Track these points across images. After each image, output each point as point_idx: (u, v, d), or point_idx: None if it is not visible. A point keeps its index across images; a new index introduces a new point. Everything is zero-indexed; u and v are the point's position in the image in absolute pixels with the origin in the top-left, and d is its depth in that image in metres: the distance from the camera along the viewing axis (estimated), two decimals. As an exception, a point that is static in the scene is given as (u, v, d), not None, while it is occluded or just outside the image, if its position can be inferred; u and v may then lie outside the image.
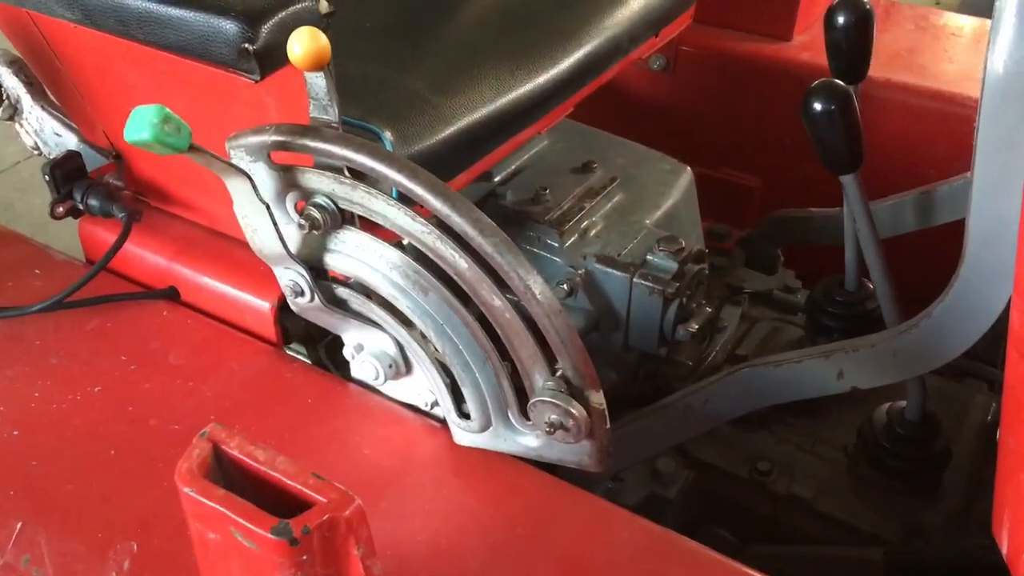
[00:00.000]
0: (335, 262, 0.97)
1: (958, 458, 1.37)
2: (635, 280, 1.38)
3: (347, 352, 1.09)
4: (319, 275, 0.99)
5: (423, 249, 0.90)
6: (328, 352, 1.35)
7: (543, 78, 1.35)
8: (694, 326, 1.38)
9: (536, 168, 1.56)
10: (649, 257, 1.40)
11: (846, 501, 1.36)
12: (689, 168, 1.64)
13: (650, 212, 1.52)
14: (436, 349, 0.96)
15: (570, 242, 1.43)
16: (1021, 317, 0.90)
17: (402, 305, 0.94)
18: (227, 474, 0.70)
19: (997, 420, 1.49)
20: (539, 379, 0.91)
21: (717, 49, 1.98)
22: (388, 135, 1.12)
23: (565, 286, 1.39)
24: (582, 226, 1.46)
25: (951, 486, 1.36)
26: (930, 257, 1.75)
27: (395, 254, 0.93)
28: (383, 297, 0.95)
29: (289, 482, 0.68)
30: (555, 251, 1.43)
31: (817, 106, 1.15)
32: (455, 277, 0.90)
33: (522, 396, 0.95)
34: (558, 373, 0.90)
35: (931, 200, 1.51)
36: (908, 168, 1.86)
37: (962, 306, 1.07)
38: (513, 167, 1.56)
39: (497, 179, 1.54)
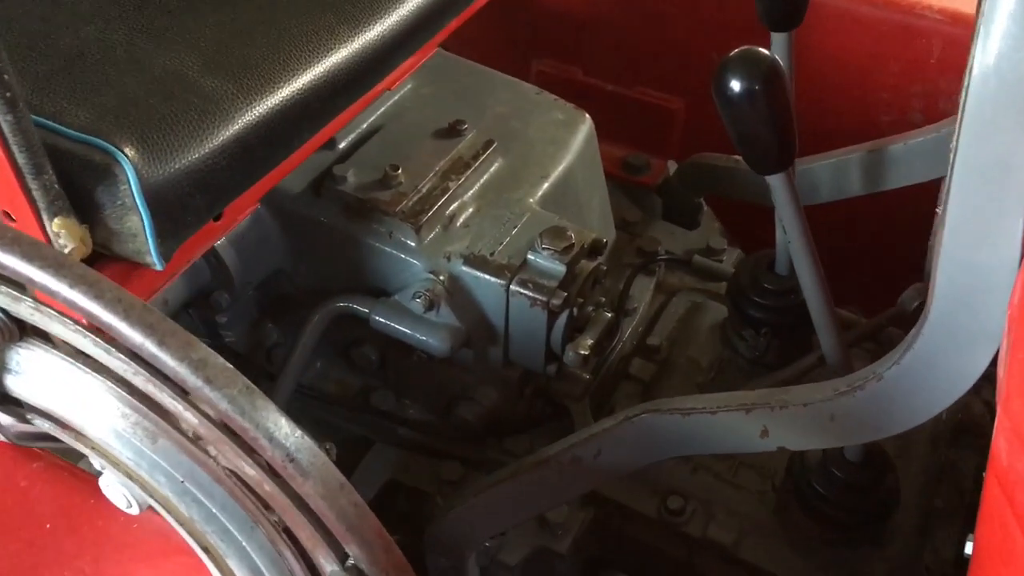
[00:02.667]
0: (20, 388, 0.66)
1: (906, 484, 1.13)
2: (512, 288, 1.08)
3: (96, 463, 0.79)
4: (5, 399, 0.68)
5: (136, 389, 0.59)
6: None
7: (377, 31, 1.01)
8: (587, 343, 1.10)
9: (390, 132, 1.22)
10: (530, 257, 1.10)
11: (773, 546, 1.12)
12: (588, 116, 1.32)
13: (536, 184, 1.21)
14: (180, 511, 0.66)
15: (430, 238, 1.12)
16: (1008, 444, 0.63)
17: (121, 455, 0.64)
18: None
19: (954, 426, 1.26)
20: (325, 566, 0.63)
21: (628, -58, 1.62)
22: (128, 154, 0.78)
23: (421, 300, 1.09)
24: (447, 213, 1.14)
25: (898, 523, 1.12)
26: (879, 228, 1.48)
27: (103, 385, 0.62)
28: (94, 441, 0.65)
29: None
30: (411, 251, 1.12)
31: (734, 85, 0.84)
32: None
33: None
34: (349, 562, 0.62)
35: (882, 160, 1.22)
36: (855, 94, 1.56)
37: (921, 372, 0.80)
38: (362, 129, 1.23)
39: (342, 146, 1.21)
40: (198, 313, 1.23)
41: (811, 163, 1.27)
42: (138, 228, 0.80)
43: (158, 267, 0.83)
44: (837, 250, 1.27)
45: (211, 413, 0.57)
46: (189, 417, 0.58)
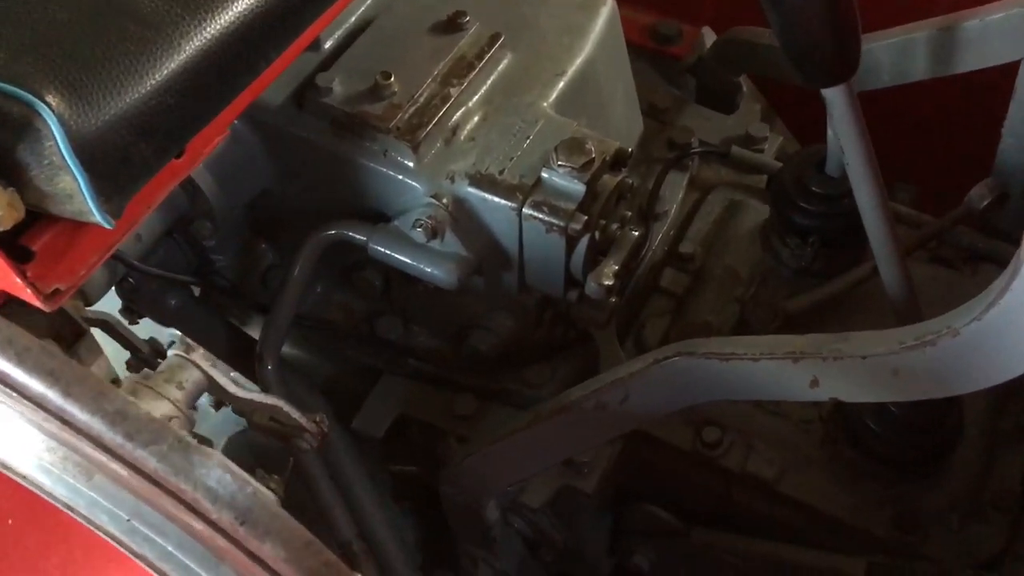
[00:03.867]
0: (-67, 417, 0.56)
1: (968, 407, 1.02)
2: (525, 211, 0.96)
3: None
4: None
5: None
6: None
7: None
8: (611, 271, 0.98)
9: (380, 28, 1.06)
10: (544, 175, 0.96)
11: (819, 481, 1.03)
12: (610, -1, 1.14)
13: (550, 84, 1.06)
14: (132, 548, 0.57)
15: (430, 155, 0.99)
16: None
17: (55, 492, 0.54)
18: None
19: None
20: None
21: None
22: (52, 103, 0.65)
23: (423, 228, 0.97)
24: (448, 125, 1.00)
25: (959, 451, 1.02)
26: (944, 115, 1.31)
27: (21, 416, 0.52)
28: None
29: None
30: (409, 172, 0.98)
31: (786, -17, 0.68)
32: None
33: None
34: (325, 616, 0.52)
35: (954, 39, 1.04)
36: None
37: (1006, 330, 0.67)
38: (348, 23, 1.07)
39: (326, 45, 1.05)
40: (184, 237, 1.12)
41: (870, 43, 1.09)
42: (73, 189, 0.67)
43: (107, 226, 0.71)
44: (896, 141, 1.12)
45: (140, 468, 0.47)
46: (116, 468, 0.48)
